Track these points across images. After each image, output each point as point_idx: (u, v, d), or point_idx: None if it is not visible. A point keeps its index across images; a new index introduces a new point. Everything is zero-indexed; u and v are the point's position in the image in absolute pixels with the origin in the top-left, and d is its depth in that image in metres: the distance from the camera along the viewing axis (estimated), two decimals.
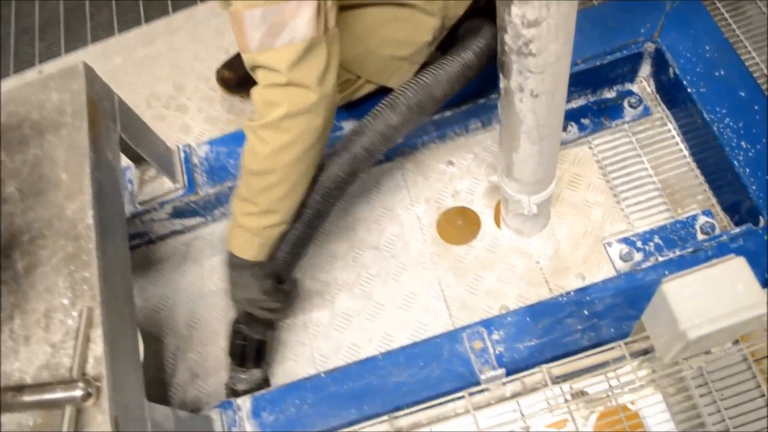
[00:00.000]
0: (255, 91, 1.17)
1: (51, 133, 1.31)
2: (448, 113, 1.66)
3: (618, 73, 1.67)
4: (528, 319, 1.36)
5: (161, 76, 2.18)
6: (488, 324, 1.37)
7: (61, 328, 1.13)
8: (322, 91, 1.14)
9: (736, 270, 0.86)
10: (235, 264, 1.34)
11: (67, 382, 1.04)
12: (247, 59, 1.14)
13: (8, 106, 1.37)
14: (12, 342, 1.14)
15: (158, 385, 1.70)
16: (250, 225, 1.28)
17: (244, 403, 1.44)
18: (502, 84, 1.07)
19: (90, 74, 1.37)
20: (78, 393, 1.03)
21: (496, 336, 1.36)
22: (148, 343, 1.66)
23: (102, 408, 1.06)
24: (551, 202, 1.56)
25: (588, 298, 1.35)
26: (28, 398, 1.05)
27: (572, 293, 1.36)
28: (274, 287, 1.38)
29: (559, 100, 1.08)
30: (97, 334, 1.11)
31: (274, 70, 1.10)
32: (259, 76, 1.15)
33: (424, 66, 1.44)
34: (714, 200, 1.57)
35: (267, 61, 1.10)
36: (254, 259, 1.31)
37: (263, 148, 1.18)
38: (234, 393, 1.53)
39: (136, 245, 1.89)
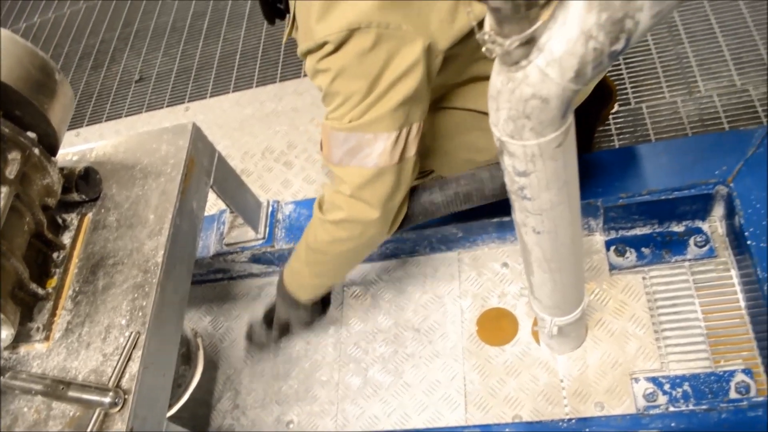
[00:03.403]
0: (329, 190, 1.35)
1: (152, 178, 1.57)
2: (507, 218, 1.73)
3: (687, 209, 1.65)
4: None
5: (280, 132, 2.45)
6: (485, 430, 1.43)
7: (114, 343, 1.36)
8: (385, 209, 1.31)
9: None
10: (290, 300, 1.60)
11: (102, 389, 1.26)
12: (326, 165, 1.33)
13: (130, 148, 1.66)
14: (78, 344, 1.39)
15: (203, 406, 1.91)
16: (304, 281, 1.55)
17: None
18: (512, 213, 1.15)
19: (196, 134, 1.63)
20: (107, 400, 1.24)
21: None
22: (207, 367, 1.86)
23: (123, 417, 1.26)
24: (584, 325, 1.58)
25: (587, 431, 1.36)
26: (72, 393, 1.28)
27: (573, 421, 1.38)
28: (316, 318, 1.69)
29: (565, 239, 1.14)
30: (138, 356, 1.32)
31: (344, 182, 1.28)
32: (333, 179, 1.33)
33: None
34: (759, 360, 1.50)
35: (340, 174, 1.28)
36: (308, 300, 1.60)
37: (323, 235, 1.39)
38: (249, 337, 1.84)
39: (219, 279, 2.13)
